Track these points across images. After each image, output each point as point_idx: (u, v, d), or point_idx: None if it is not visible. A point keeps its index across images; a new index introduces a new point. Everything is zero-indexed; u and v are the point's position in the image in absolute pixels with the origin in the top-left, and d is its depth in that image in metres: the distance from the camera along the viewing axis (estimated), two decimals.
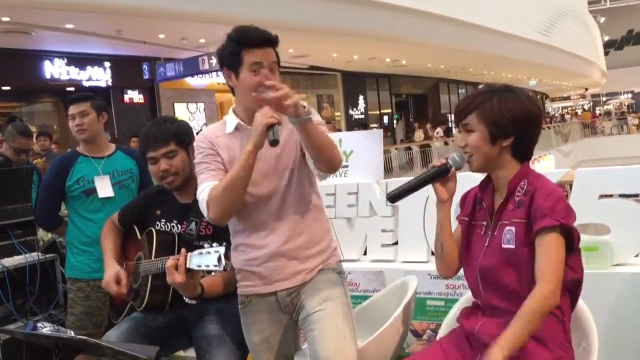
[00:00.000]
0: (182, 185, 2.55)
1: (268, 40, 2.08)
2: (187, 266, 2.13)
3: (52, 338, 2.00)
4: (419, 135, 20.00)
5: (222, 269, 2.06)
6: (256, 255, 2.14)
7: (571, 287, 1.89)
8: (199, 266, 2.10)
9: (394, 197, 1.95)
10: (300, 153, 2.13)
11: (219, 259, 2.05)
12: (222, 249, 2.07)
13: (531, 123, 1.92)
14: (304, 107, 1.93)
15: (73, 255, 3.16)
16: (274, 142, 1.94)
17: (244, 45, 2.05)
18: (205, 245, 2.12)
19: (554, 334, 1.85)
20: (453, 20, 14.81)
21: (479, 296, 1.97)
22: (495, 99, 1.90)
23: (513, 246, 1.86)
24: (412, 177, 1.98)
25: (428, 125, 21.07)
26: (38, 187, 3.44)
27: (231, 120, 2.17)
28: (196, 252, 2.13)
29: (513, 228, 1.87)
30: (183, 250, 2.18)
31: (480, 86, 2.06)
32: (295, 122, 1.95)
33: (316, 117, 2.04)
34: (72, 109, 3.10)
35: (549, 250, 1.81)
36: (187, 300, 2.29)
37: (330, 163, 2.06)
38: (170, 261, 2.15)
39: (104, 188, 3.11)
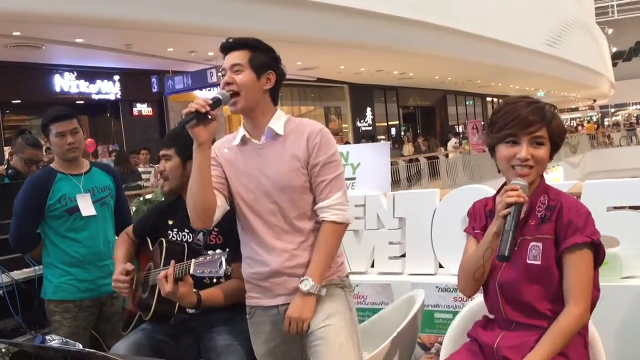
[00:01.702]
0: (173, 192, 2.61)
1: (224, 47, 2.13)
2: (190, 273, 2.18)
3: (61, 351, 1.99)
4: (407, 149, 19.04)
5: (222, 274, 2.10)
6: (259, 270, 2.16)
7: (592, 303, 1.88)
8: (201, 272, 2.14)
9: (510, 254, 1.75)
10: (305, 179, 2.12)
11: (220, 265, 2.08)
12: (223, 255, 2.09)
13: None
14: (312, 293, 2.06)
15: (55, 277, 3.00)
16: (179, 125, 1.96)
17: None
18: (209, 252, 2.15)
19: (577, 348, 1.85)
20: (460, 32, 14.82)
21: (497, 312, 1.94)
22: (557, 117, 1.90)
23: (539, 262, 1.83)
24: (507, 227, 1.77)
25: (420, 139, 20.18)
26: None
27: (240, 132, 2.19)
28: (200, 258, 2.16)
29: (540, 244, 1.84)
30: (172, 262, 2.25)
31: (521, 96, 1.95)
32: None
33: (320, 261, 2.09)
34: (62, 127, 2.95)
35: (580, 267, 1.80)
36: (188, 310, 2.32)
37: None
38: (161, 273, 2.23)
39: (87, 206, 2.99)
